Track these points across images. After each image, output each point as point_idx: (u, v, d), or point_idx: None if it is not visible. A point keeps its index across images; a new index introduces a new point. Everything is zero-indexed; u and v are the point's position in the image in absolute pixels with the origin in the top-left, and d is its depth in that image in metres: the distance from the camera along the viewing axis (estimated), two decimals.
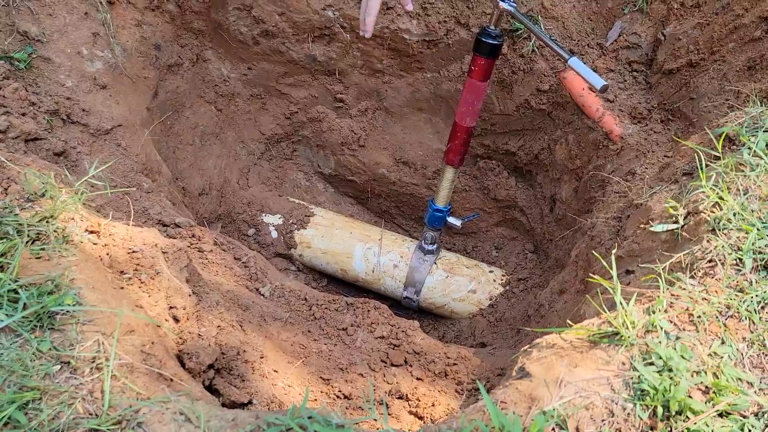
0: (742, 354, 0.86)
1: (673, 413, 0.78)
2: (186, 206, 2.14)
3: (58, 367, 0.81)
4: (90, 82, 1.73)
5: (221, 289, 1.51)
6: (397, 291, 2.32)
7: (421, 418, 1.40)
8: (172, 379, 0.91)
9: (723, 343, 0.87)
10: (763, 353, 0.86)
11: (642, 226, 1.25)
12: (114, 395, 0.80)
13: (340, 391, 1.42)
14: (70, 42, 1.70)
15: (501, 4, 1.63)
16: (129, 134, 1.80)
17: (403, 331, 1.68)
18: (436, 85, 2.21)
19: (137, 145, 1.83)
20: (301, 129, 2.53)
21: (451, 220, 2.18)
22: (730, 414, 0.79)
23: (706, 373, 0.83)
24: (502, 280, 2.24)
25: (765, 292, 0.91)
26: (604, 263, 1.09)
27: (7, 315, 0.84)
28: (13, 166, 1.16)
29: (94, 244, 1.09)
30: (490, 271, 2.28)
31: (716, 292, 0.93)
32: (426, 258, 2.27)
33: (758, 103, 1.31)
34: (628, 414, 0.79)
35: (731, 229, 1.00)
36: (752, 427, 0.78)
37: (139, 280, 1.10)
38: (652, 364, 0.84)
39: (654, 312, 0.91)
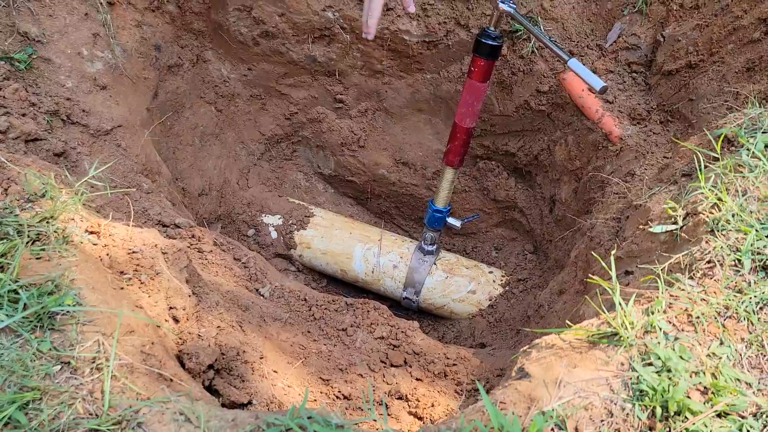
0: (740, 354, 0.86)
1: (672, 414, 0.78)
2: (186, 207, 2.14)
3: (59, 367, 0.82)
4: (90, 82, 1.74)
5: (221, 290, 1.51)
6: (397, 291, 2.32)
7: (420, 418, 1.40)
8: (171, 380, 0.91)
9: (722, 343, 0.87)
10: (761, 354, 0.86)
11: (641, 227, 1.25)
12: (114, 395, 0.80)
13: (339, 391, 1.42)
14: (70, 43, 1.70)
15: (501, 5, 1.64)
16: (129, 135, 1.81)
17: (402, 332, 1.68)
18: (436, 86, 2.21)
19: (137, 146, 1.83)
20: (301, 129, 2.53)
21: (450, 220, 2.18)
22: (728, 414, 0.79)
23: (704, 373, 0.83)
24: (501, 280, 2.24)
25: (763, 292, 0.92)
26: (604, 264, 1.09)
27: (7, 315, 0.85)
28: (14, 166, 1.16)
29: (94, 244, 1.09)
30: (490, 272, 2.28)
31: (715, 292, 0.94)
32: (426, 258, 2.27)
33: (757, 104, 1.31)
34: (627, 414, 0.80)
35: (730, 230, 1.01)
36: (751, 427, 0.78)
37: (139, 280, 1.10)
38: (650, 364, 0.84)
39: (653, 313, 0.91)
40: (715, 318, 0.90)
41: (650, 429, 0.78)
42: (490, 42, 1.71)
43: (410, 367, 1.57)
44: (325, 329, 1.68)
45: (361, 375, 1.50)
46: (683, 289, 0.95)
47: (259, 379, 1.23)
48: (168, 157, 2.15)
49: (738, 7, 1.52)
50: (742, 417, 0.79)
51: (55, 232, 1.01)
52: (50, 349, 0.83)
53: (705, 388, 0.82)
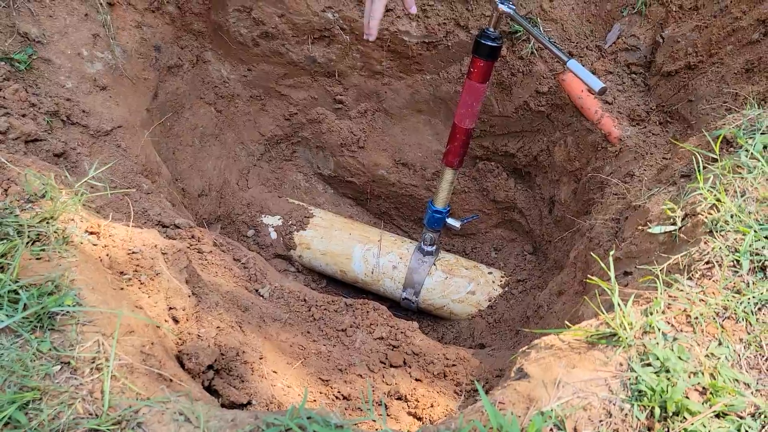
0: (739, 355, 0.87)
1: (671, 414, 0.79)
2: (185, 207, 2.14)
3: (58, 367, 0.82)
4: (90, 83, 1.74)
5: (221, 290, 1.51)
6: (396, 292, 2.32)
7: (419, 418, 1.41)
8: (171, 380, 0.92)
9: (720, 344, 0.88)
10: (760, 354, 0.87)
11: (640, 227, 1.26)
12: (114, 395, 0.81)
13: (339, 391, 1.42)
14: (70, 43, 1.71)
15: (500, 6, 1.64)
16: (129, 135, 1.81)
17: (402, 332, 1.68)
18: (436, 86, 2.22)
19: (137, 147, 1.84)
20: (301, 130, 2.53)
21: (450, 221, 2.18)
22: (727, 415, 0.79)
23: (703, 374, 0.83)
24: (501, 281, 2.25)
25: (762, 293, 0.92)
26: (603, 265, 1.09)
27: (7, 315, 0.85)
28: (14, 167, 1.17)
29: (94, 245, 1.09)
30: (489, 273, 2.28)
31: (713, 293, 0.94)
32: (425, 259, 2.27)
33: (756, 105, 1.31)
34: (626, 415, 0.80)
35: (728, 231, 1.01)
36: (749, 427, 0.78)
37: (139, 281, 1.10)
38: (649, 365, 0.84)
39: (651, 313, 0.92)
40: (714, 318, 0.91)
41: (649, 429, 0.79)
42: (489, 43, 1.71)
43: (409, 367, 1.57)
44: (324, 330, 1.68)
45: (361, 375, 1.50)
46: (682, 290, 0.95)
47: (259, 380, 1.23)
48: (168, 157, 2.15)
49: (737, 9, 1.52)
50: (741, 417, 0.79)
51: (55, 232, 1.02)
52: (50, 350, 0.83)
53: (703, 388, 0.82)
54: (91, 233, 1.11)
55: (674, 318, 0.91)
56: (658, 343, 0.87)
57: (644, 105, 1.77)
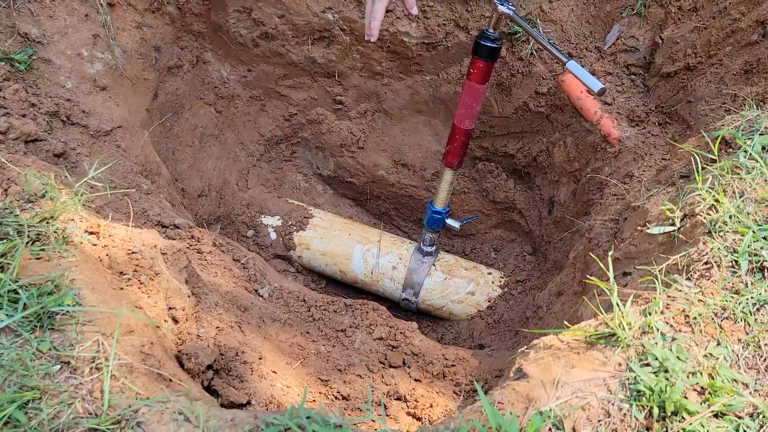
0: (737, 355, 0.87)
1: (669, 414, 0.79)
2: (185, 207, 2.14)
3: (58, 366, 0.82)
4: (90, 83, 1.74)
5: (220, 290, 1.51)
6: (396, 292, 2.32)
7: (419, 419, 1.41)
8: (171, 380, 0.92)
9: (718, 344, 0.88)
10: (758, 354, 0.87)
11: (639, 228, 1.26)
12: (113, 395, 0.81)
13: (338, 392, 1.42)
14: (70, 44, 1.71)
15: (500, 7, 1.64)
16: (129, 136, 1.81)
17: (401, 333, 1.68)
18: (435, 87, 2.22)
19: (137, 147, 1.84)
20: (301, 131, 2.54)
21: (449, 221, 2.18)
22: (725, 415, 0.80)
23: (701, 374, 0.83)
24: (500, 282, 2.25)
25: (760, 294, 0.92)
26: (602, 265, 1.10)
27: (7, 315, 0.85)
28: (14, 167, 1.17)
29: (94, 244, 1.09)
30: (489, 273, 2.28)
31: (712, 293, 0.94)
32: (425, 260, 2.28)
33: (754, 106, 1.32)
34: (625, 414, 0.80)
35: (727, 232, 1.01)
36: (747, 427, 0.78)
37: (139, 281, 1.10)
38: (648, 365, 0.84)
39: (650, 313, 0.92)
40: (712, 319, 0.91)
41: (647, 429, 0.79)
42: (489, 44, 1.71)
43: (409, 367, 1.57)
44: (324, 330, 1.68)
45: (360, 375, 1.51)
46: (680, 290, 0.95)
47: (258, 380, 1.23)
48: (167, 158, 2.15)
49: (736, 10, 1.52)
50: (739, 417, 0.80)
51: (54, 232, 1.02)
52: (50, 349, 0.83)
53: (702, 388, 0.82)
54: (91, 233, 1.11)
55: (673, 318, 0.91)
56: (656, 344, 0.87)
57: (643, 106, 1.78)
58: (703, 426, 0.78)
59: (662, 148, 1.67)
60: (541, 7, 1.86)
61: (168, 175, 2.04)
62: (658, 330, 0.89)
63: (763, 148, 1.15)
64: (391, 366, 1.58)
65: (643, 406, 0.80)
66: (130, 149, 1.80)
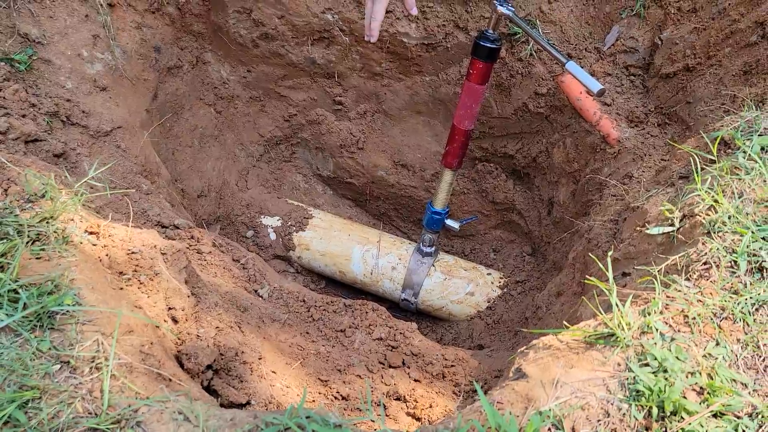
0: (736, 355, 0.87)
1: (668, 414, 0.79)
2: (185, 208, 2.15)
3: (58, 366, 0.82)
4: (90, 84, 1.74)
5: (220, 291, 1.51)
6: (396, 293, 2.32)
7: (418, 419, 1.41)
8: (170, 380, 0.92)
9: (717, 344, 0.88)
10: (757, 354, 0.87)
11: (638, 228, 1.26)
12: (113, 395, 0.81)
13: (338, 392, 1.42)
14: (70, 44, 1.71)
15: (499, 8, 1.65)
16: (128, 136, 1.81)
17: (401, 333, 1.68)
18: (435, 88, 2.22)
19: (137, 147, 1.84)
20: (300, 131, 2.54)
21: (449, 222, 2.18)
22: (724, 414, 0.80)
23: (700, 374, 0.83)
24: (499, 282, 2.25)
25: (759, 294, 0.92)
26: (601, 265, 1.10)
27: (7, 315, 0.85)
28: (14, 167, 1.17)
29: (94, 244, 1.10)
30: (488, 274, 2.28)
31: (711, 294, 0.94)
32: (424, 260, 2.28)
33: (753, 107, 1.32)
34: (624, 414, 0.80)
35: (726, 232, 1.01)
36: (746, 427, 0.78)
37: (138, 281, 1.10)
38: (647, 365, 0.85)
39: (649, 313, 0.92)
40: (711, 319, 0.91)
41: (646, 429, 0.79)
42: (488, 45, 1.71)
43: (408, 368, 1.57)
44: (323, 330, 1.68)
45: (360, 376, 1.51)
46: (680, 291, 0.96)
47: (258, 380, 1.23)
48: (167, 158, 2.15)
49: (735, 11, 1.53)
50: (738, 417, 0.80)
51: (54, 232, 1.02)
52: (50, 349, 0.83)
53: (701, 388, 0.82)
54: (91, 233, 1.11)
55: (672, 318, 0.91)
56: (655, 344, 0.87)
57: (643, 107, 1.78)
58: (702, 426, 0.78)
59: (661, 148, 1.67)
60: (540, 8, 1.86)
61: (168, 175, 2.04)
62: (657, 330, 0.89)
63: (762, 148, 1.15)
64: (390, 366, 1.58)
65: (642, 406, 0.80)
66: (130, 149, 1.80)
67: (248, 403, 1.15)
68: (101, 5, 1.79)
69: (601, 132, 1.81)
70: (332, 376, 1.47)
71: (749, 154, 1.14)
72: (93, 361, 0.84)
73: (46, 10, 1.67)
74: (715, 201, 1.07)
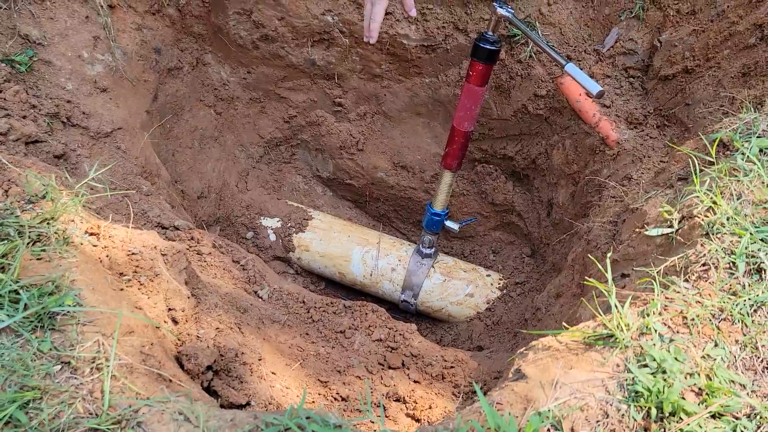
0: (734, 356, 0.87)
1: (667, 414, 0.79)
2: (185, 209, 2.15)
3: (59, 367, 0.82)
4: (90, 85, 1.74)
5: (220, 292, 1.51)
6: (395, 294, 2.33)
7: (418, 420, 1.41)
8: (171, 380, 0.92)
9: (716, 345, 0.88)
10: (755, 355, 0.87)
11: (637, 230, 1.26)
12: (114, 395, 0.81)
13: (337, 393, 1.42)
14: (70, 45, 1.71)
15: (499, 10, 1.65)
16: (129, 137, 1.81)
17: (400, 334, 1.69)
18: (435, 89, 2.22)
19: (137, 148, 1.84)
20: (300, 133, 2.54)
21: (448, 224, 2.19)
22: (722, 415, 0.80)
23: (699, 375, 0.84)
24: (499, 283, 2.25)
25: (757, 295, 0.93)
26: (600, 267, 1.10)
27: (8, 315, 0.85)
28: (14, 168, 1.17)
29: (94, 245, 1.10)
30: (488, 275, 2.28)
31: (710, 295, 0.94)
32: (424, 262, 2.28)
33: (752, 109, 1.32)
34: (623, 415, 0.80)
35: (725, 234, 1.02)
36: (744, 428, 0.79)
37: (139, 281, 1.10)
38: (646, 365, 0.85)
39: (648, 315, 0.92)
40: (710, 320, 0.91)
41: (645, 430, 0.79)
42: (488, 46, 1.72)
43: (408, 369, 1.58)
44: (323, 331, 1.69)
45: (359, 377, 1.51)
46: (678, 292, 0.96)
47: (258, 381, 1.23)
48: (167, 159, 2.15)
49: (734, 13, 1.53)
50: (736, 418, 0.80)
51: (55, 233, 1.02)
52: (50, 349, 0.84)
53: (699, 389, 0.82)
54: (91, 234, 1.12)
55: (671, 319, 0.92)
56: (654, 345, 0.87)
57: (642, 108, 1.78)
58: (700, 427, 0.78)
59: (660, 150, 1.68)
60: (540, 10, 1.87)
61: (168, 176, 2.04)
62: (656, 331, 0.89)
63: (761, 150, 1.16)
64: (390, 367, 1.58)
65: (641, 407, 0.81)
66: (130, 151, 1.80)
67: (248, 404, 1.16)
68: (101, 7, 1.80)
69: (600, 134, 1.82)
70: (332, 377, 1.47)
71: (748, 156, 1.14)
72: (94, 362, 0.84)
73: (46, 11, 1.68)
74: (714, 202, 1.07)
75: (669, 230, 1.14)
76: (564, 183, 2.07)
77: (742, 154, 1.15)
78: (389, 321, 1.75)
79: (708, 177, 1.14)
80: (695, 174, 1.17)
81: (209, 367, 1.13)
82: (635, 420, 0.80)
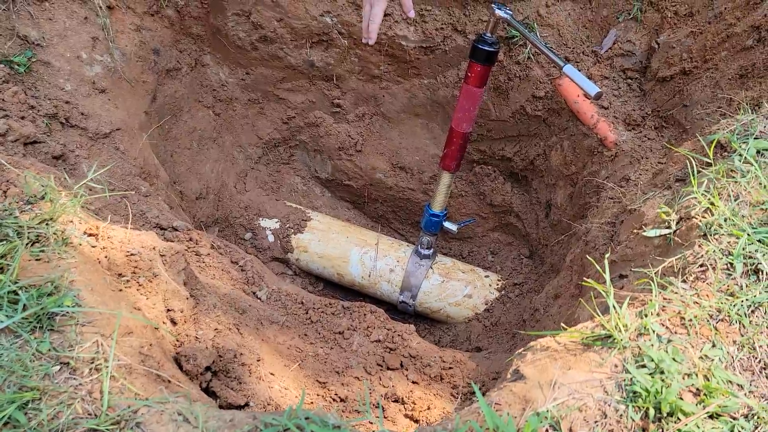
0: (732, 357, 0.87)
1: (665, 415, 0.79)
2: (183, 210, 2.15)
3: (58, 367, 0.82)
4: (89, 86, 1.74)
5: (218, 293, 1.51)
6: (393, 295, 2.33)
7: (416, 421, 1.41)
8: (170, 381, 0.92)
9: (714, 346, 0.88)
10: (753, 356, 0.88)
11: (635, 231, 1.27)
12: (113, 396, 0.81)
13: (336, 394, 1.42)
14: (69, 46, 1.71)
15: (497, 11, 1.65)
16: (127, 138, 1.81)
17: (399, 335, 1.69)
18: (433, 91, 2.23)
19: (135, 149, 1.84)
20: (299, 134, 2.54)
21: (447, 225, 2.19)
22: (720, 415, 0.80)
23: (697, 375, 0.84)
24: (497, 284, 2.25)
25: (755, 296, 0.93)
26: (598, 268, 1.10)
27: (7, 316, 0.85)
28: (13, 169, 1.17)
29: (93, 246, 1.10)
30: (486, 276, 2.29)
31: (707, 296, 0.95)
32: (422, 263, 2.28)
33: (749, 110, 1.33)
34: (621, 415, 0.81)
35: (722, 234, 1.02)
36: (742, 428, 0.79)
37: (137, 282, 1.10)
38: (644, 366, 0.85)
39: (646, 315, 0.92)
40: (708, 321, 0.92)
41: (643, 430, 0.79)
42: (486, 48, 1.72)
43: (406, 370, 1.58)
44: (321, 332, 1.69)
45: (358, 378, 1.51)
46: (676, 293, 0.96)
47: (256, 382, 1.23)
48: (166, 160, 2.15)
49: (731, 15, 1.54)
50: (734, 418, 0.80)
51: (54, 234, 1.02)
52: (49, 350, 0.84)
53: (697, 389, 0.83)
54: (90, 235, 1.12)
55: (669, 320, 0.92)
56: (652, 345, 0.87)
57: (640, 110, 1.79)
58: (698, 427, 0.78)
59: (658, 151, 1.68)
60: (538, 11, 1.87)
61: (166, 177, 2.04)
62: (653, 332, 0.90)
63: (758, 151, 1.16)
64: (388, 368, 1.58)
65: (639, 407, 0.81)
66: (129, 151, 1.80)
67: (247, 404, 1.16)
68: (100, 7, 1.80)
69: (598, 135, 1.82)
70: (330, 378, 1.48)
71: (745, 157, 1.15)
72: (92, 363, 0.84)
73: (45, 12, 1.68)
74: (712, 204, 1.07)
75: (667, 231, 1.14)
76: (562, 184, 2.07)
77: (740, 155, 1.16)
78: (388, 322, 1.75)
79: (706, 178, 1.15)
80: (693, 175, 1.18)
81: (208, 368, 1.13)
82: (633, 420, 0.80)
